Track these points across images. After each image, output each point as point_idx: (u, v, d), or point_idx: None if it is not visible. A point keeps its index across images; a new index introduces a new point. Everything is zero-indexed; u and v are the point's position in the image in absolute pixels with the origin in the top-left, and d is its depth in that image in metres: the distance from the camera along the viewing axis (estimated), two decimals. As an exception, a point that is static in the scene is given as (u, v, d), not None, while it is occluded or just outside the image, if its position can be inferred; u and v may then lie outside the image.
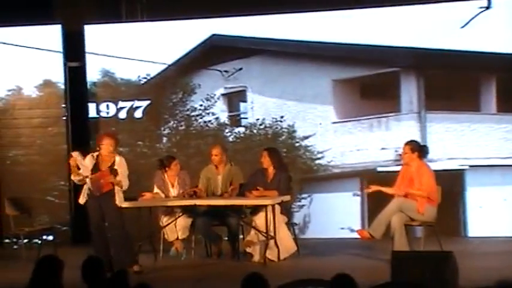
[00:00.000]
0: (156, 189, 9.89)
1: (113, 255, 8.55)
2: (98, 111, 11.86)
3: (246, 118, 11.78)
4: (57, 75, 11.74)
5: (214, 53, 11.71)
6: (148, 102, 11.80)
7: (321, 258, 9.58)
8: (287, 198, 9.47)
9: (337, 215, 11.19)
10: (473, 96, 11.05)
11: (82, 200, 8.74)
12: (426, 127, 10.93)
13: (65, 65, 11.58)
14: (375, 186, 9.05)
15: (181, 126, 11.81)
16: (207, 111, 11.74)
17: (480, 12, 10.67)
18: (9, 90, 12.00)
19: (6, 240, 11.47)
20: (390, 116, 11.17)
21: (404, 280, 6.29)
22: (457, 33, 10.76)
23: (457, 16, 10.77)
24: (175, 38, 11.58)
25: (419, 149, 8.97)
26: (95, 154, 8.73)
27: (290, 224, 9.65)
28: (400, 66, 11.12)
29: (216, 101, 11.74)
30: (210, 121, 11.74)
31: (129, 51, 11.69)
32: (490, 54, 10.65)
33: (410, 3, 10.89)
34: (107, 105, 11.87)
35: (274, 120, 11.52)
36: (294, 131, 11.46)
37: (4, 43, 11.83)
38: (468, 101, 11.08)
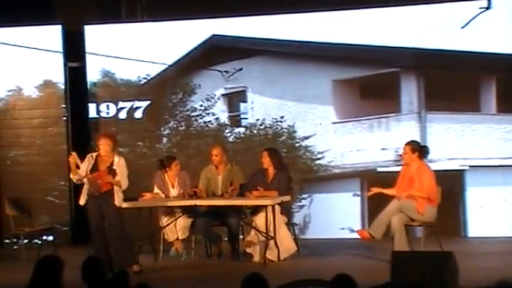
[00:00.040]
0: (156, 190, 9.89)
1: (113, 255, 8.55)
2: (98, 112, 11.87)
3: (246, 118, 11.77)
4: (58, 75, 11.74)
5: (214, 53, 11.71)
6: (148, 102, 11.80)
7: (321, 258, 9.58)
8: (287, 198, 9.47)
9: (337, 215, 11.19)
10: (474, 96, 11.05)
11: (82, 200, 8.74)
12: (426, 127, 10.93)
13: (65, 65, 11.58)
14: (376, 188, 9.05)
15: (182, 126, 11.81)
16: (207, 112, 11.74)
17: (480, 13, 10.67)
18: (9, 91, 12.00)
19: (7, 241, 11.46)
20: (390, 117, 11.17)
21: (405, 280, 6.29)
22: (457, 33, 10.76)
23: (457, 16, 10.77)
24: (175, 38, 11.58)
25: (419, 149, 8.97)
26: (94, 154, 8.73)
27: (290, 224, 9.65)
28: (400, 66, 11.12)
29: (216, 102, 11.74)
30: (210, 121, 11.74)
31: (129, 51, 11.69)
32: (490, 54, 10.65)
33: (411, 4, 10.89)
34: (107, 106, 11.88)
35: (274, 120, 11.52)
36: (294, 131, 11.45)
37: (4, 43, 11.83)
38: (468, 102, 11.08)
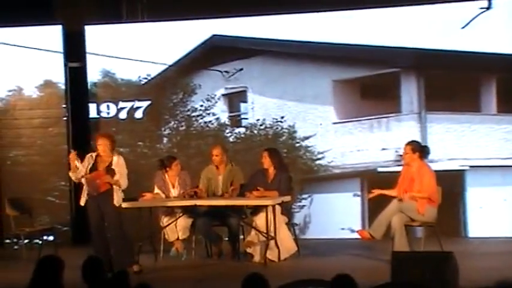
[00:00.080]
0: (156, 190, 9.89)
1: (113, 255, 8.56)
2: (99, 112, 11.87)
3: (246, 118, 11.78)
4: (58, 75, 11.74)
5: (214, 53, 11.71)
6: (148, 102, 11.80)
7: (322, 258, 9.58)
8: (287, 198, 9.47)
9: (337, 215, 11.19)
10: (474, 96, 11.05)
11: (83, 201, 8.75)
12: (426, 127, 10.93)
13: (65, 65, 11.59)
14: (377, 190, 9.05)
15: (182, 126, 11.82)
16: (208, 112, 11.74)
17: (481, 13, 10.67)
18: (9, 91, 12.00)
19: (7, 241, 11.46)
20: (391, 117, 11.17)
21: (405, 280, 6.29)
22: (457, 33, 10.76)
23: (457, 17, 10.77)
24: (175, 38, 11.58)
25: (420, 149, 8.97)
26: (94, 154, 8.74)
27: (290, 225, 9.65)
28: (400, 66, 11.12)
29: (216, 102, 11.74)
30: (210, 121, 11.75)
31: (130, 51, 11.69)
32: (490, 54, 10.65)
33: (411, 4, 10.89)
34: (108, 106, 11.88)
35: (274, 120, 11.52)
36: (295, 132, 11.46)
37: (5, 43, 11.83)
38: (468, 102, 11.08)
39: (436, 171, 8.98)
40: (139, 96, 11.81)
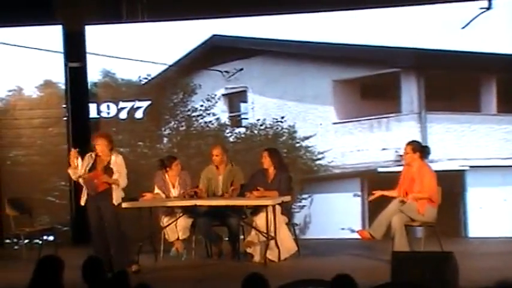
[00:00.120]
0: (156, 190, 9.89)
1: (113, 255, 8.56)
2: (99, 112, 11.87)
3: (246, 118, 11.77)
4: (58, 75, 11.74)
5: (215, 53, 11.71)
6: (149, 102, 11.80)
7: (322, 258, 9.58)
8: (287, 198, 9.47)
9: (337, 215, 11.19)
10: (474, 96, 11.05)
11: (83, 201, 8.75)
12: (426, 128, 10.93)
13: (65, 65, 11.59)
14: (377, 192, 9.05)
15: (182, 126, 11.82)
16: (208, 112, 11.74)
17: (481, 13, 10.67)
18: (9, 91, 12.00)
19: (7, 241, 11.47)
20: (391, 117, 11.17)
21: (405, 280, 6.29)
22: (457, 33, 10.76)
23: (457, 17, 10.77)
24: (175, 38, 11.58)
25: (420, 149, 8.97)
26: (94, 154, 8.73)
27: (291, 225, 9.65)
28: (400, 66, 11.12)
29: (216, 102, 11.74)
30: (210, 121, 11.75)
31: (130, 51, 11.69)
32: (490, 55, 10.65)
33: (411, 4, 10.89)
34: (108, 106, 11.88)
35: (274, 120, 11.52)
36: (295, 132, 11.46)
37: (5, 43, 11.83)
38: (468, 102, 11.07)
39: (436, 171, 8.98)
40: (140, 96, 11.81)
